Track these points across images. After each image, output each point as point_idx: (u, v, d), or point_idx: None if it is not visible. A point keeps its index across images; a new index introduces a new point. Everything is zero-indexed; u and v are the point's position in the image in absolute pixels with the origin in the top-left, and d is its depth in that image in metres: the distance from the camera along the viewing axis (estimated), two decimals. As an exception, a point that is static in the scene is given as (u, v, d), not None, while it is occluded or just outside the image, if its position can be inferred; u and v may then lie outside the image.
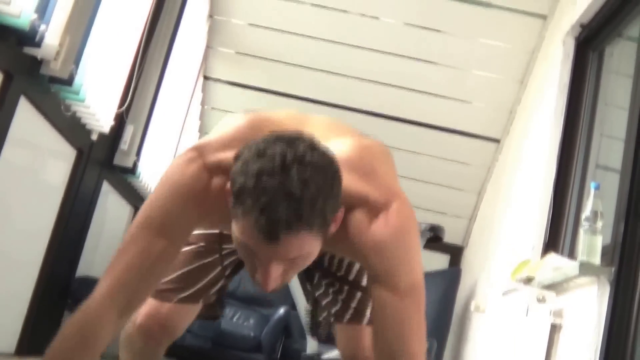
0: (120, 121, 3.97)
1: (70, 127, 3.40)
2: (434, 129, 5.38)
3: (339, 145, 1.69)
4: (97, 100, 3.41)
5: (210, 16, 5.24)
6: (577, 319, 2.95)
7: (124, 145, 4.03)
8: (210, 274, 2.06)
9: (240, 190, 1.42)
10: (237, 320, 5.01)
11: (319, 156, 1.46)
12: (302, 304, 4.05)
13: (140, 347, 2.04)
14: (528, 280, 3.37)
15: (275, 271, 1.48)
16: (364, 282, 2.15)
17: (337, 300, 2.21)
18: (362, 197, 1.65)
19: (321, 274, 2.20)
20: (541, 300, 3.09)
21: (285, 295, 4.74)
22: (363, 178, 1.67)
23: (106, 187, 4.10)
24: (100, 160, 3.91)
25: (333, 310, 2.22)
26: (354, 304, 2.19)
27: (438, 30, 5.07)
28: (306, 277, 2.25)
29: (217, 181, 1.64)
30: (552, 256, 3.30)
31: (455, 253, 5.81)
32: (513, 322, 3.24)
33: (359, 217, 1.65)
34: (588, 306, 2.84)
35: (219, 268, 2.06)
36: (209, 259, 2.05)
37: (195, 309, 2.09)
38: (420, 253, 1.75)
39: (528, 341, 3.08)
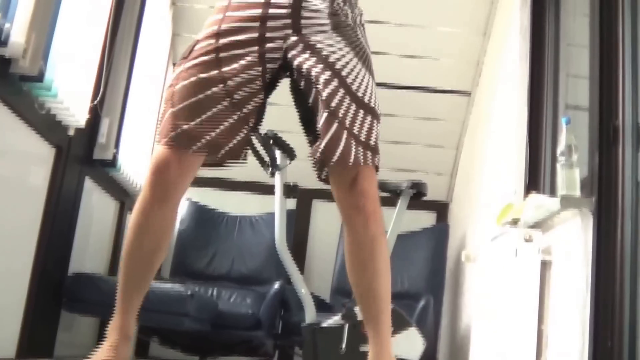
0: (95, 115, 3.95)
1: (46, 124, 3.38)
2: (405, 89, 5.40)
3: None
4: (70, 95, 3.39)
5: (173, 4, 5.22)
6: (565, 253, 2.99)
7: (102, 138, 4.02)
8: (228, 120, 1.97)
9: None
10: (234, 301, 5.03)
11: None
12: (297, 277, 4.07)
13: (149, 201, 1.95)
14: (514, 223, 3.41)
15: None
16: (372, 101, 2.08)
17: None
18: None
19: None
20: (528, 239, 3.13)
21: (278, 272, 4.76)
22: None
23: (89, 183, 4.09)
24: (79, 156, 3.89)
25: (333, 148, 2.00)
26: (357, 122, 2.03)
27: (399, -8, 5.08)
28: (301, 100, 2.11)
29: None
30: (534, 195, 3.35)
31: (441, 209, 5.84)
32: (504, 265, 3.28)
33: None
34: (574, 239, 2.88)
35: (238, 114, 1.97)
36: (212, 90, 1.95)
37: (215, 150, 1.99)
38: None
39: (521, 281, 3.12)
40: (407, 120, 5.51)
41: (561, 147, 2.91)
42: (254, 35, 2.00)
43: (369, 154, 2.02)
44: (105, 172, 4.24)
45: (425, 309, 4.53)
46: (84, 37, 3.59)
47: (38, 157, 3.49)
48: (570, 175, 2.88)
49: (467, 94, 5.44)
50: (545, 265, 3.12)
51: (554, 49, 3.92)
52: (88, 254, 4.23)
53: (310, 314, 3.85)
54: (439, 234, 5.31)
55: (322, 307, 4.42)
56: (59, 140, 3.57)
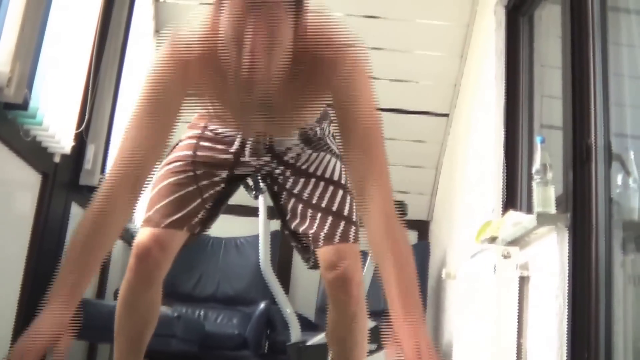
0: (81, 141, 3.94)
1: (32, 151, 3.37)
2: (386, 112, 5.37)
3: None
4: (55, 122, 3.38)
5: (157, 31, 5.24)
6: (542, 268, 3.01)
7: (88, 164, 4.00)
8: (191, 204, 2.12)
9: None
10: (220, 321, 5.02)
11: None
12: (282, 297, 4.07)
13: (138, 278, 2.06)
14: (492, 240, 3.43)
15: (260, 41, 1.59)
16: (343, 179, 2.22)
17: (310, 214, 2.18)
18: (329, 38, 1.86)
19: (294, 174, 2.23)
20: (506, 256, 3.14)
21: (263, 292, 4.75)
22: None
23: (75, 209, 4.06)
24: (66, 182, 3.88)
25: (309, 232, 2.17)
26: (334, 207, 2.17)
27: (379, 17, 5.13)
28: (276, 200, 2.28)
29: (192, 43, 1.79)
30: (511, 213, 3.37)
31: (422, 228, 5.86)
32: (483, 281, 3.29)
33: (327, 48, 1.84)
34: (551, 254, 2.90)
35: (199, 200, 2.13)
36: (188, 190, 2.13)
37: (182, 236, 2.13)
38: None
39: (500, 297, 3.13)
40: (388, 142, 5.48)
41: (536, 165, 2.95)
42: (226, 170, 2.21)
43: (346, 227, 2.12)
44: (91, 198, 4.22)
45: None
46: (69, 64, 3.59)
47: (24, 183, 3.48)
48: (545, 192, 2.91)
49: (445, 115, 5.48)
50: (523, 281, 3.13)
51: (528, 70, 3.96)
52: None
53: (295, 333, 3.85)
54: (420, 252, 5.31)
55: (307, 326, 4.41)
56: (45, 167, 3.56)
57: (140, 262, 2.02)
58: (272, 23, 1.60)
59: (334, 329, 2.22)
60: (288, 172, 2.20)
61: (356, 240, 2.13)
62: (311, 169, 2.20)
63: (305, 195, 2.17)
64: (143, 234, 2.05)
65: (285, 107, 1.92)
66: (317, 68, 1.82)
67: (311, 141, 2.23)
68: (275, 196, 2.26)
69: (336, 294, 2.09)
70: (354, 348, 2.20)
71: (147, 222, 2.08)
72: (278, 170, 2.22)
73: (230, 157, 2.19)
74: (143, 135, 1.78)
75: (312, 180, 2.18)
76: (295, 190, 2.18)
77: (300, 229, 2.16)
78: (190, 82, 1.82)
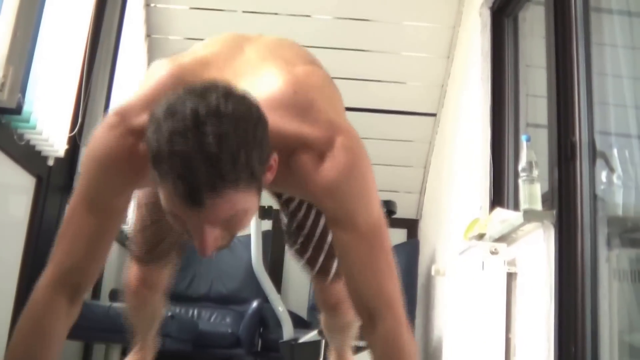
0: (74, 144, 3.94)
1: (26, 155, 3.36)
2: (374, 113, 5.43)
3: (270, 81, 1.51)
4: (49, 126, 3.38)
5: (148, 35, 5.23)
6: (529, 264, 3.02)
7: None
8: (169, 234, 2.00)
9: (155, 156, 1.25)
10: (214, 321, 5.01)
11: (235, 104, 1.26)
12: (274, 296, 4.07)
13: (134, 304, 2.13)
14: (480, 237, 3.44)
15: (210, 235, 1.29)
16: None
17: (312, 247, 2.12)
18: (301, 139, 1.46)
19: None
20: (494, 252, 3.16)
21: (256, 291, 4.75)
22: (299, 116, 1.47)
23: (70, 211, 4.06)
24: (60, 185, 3.87)
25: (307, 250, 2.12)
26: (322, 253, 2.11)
27: (366, 20, 5.15)
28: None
29: (144, 145, 1.41)
30: (498, 210, 3.38)
31: (412, 226, 5.87)
32: (472, 278, 3.30)
33: (303, 160, 1.47)
34: (537, 250, 2.91)
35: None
36: (161, 224, 1.95)
37: (172, 259, 2.10)
38: (376, 186, 1.59)
39: (488, 293, 3.14)
40: (377, 142, 5.54)
41: (522, 163, 2.96)
42: None
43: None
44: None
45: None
46: (62, 68, 3.58)
47: (19, 187, 3.47)
48: (532, 190, 2.92)
49: (433, 115, 5.50)
50: (510, 276, 3.14)
51: (513, 70, 3.98)
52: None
53: (288, 331, 3.86)
54: (410, 250, 5.32)
55: (300, 323, 4.42)
56: (39, 170, 3.55)
57: (132, 297, 2.07)
58: (224, 215, 1.29)
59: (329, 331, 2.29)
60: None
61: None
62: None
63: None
64: (130, 271, 2.05)
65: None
66: (293, 179, 1.50)
67: None
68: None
69: (331, 310, 2.15)
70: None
71: (133, 257, 2.07)
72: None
73: None
74: (85, 237, 1.55)
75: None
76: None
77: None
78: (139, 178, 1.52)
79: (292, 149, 1.46)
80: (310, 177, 1.47)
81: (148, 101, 1.46)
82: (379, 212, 1.58)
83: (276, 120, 1.39)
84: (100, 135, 1.52)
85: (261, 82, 1.48)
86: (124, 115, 1.51)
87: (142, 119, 1.40)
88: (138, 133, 1.42)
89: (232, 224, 1.32)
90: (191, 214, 1.26)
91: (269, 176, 1.36)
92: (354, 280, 1.58)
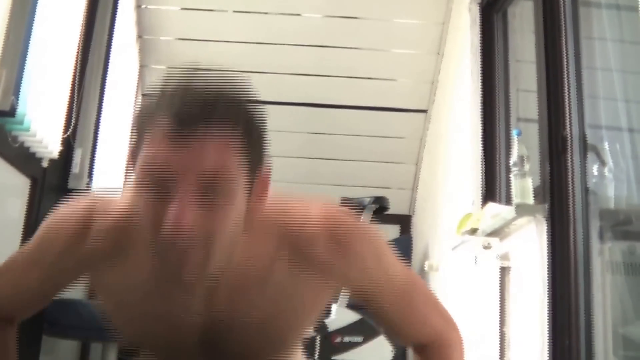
0: (68, 145, 3.92)
1: (20, 157, 3.34)
2: (366, 110, 5.42)
3: None
4: (43, 128, 3.36)
5: (140, 37, 5.21)
6: (522, 258, 3.02)
7: (75, 168, 3.98)
8: None
9: (143, 109, 1.19)
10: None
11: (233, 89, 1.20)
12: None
13: None
14: (473, 232, 3.43)
15: (190, 193, 1.11)
16: None
17: None
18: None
19: None
20: (487, 247, 3.15)
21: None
22: None
23: (65, 212, 4.04)
24: (54, 186, 3.85)
25: None
26: None
27: (356, 18, 5.13)
28: None
29: (101, 206, 1.39)
30: (491, 205, 3.37)
31: (404, 222, 5.85)
32: (465, 272, 3.30)
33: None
34: (530, 244, 2.91)
35: None
36: None
37: None
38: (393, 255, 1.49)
39: (481, 287, 3.14)
40: (369, 139, 5.54)
41: (514, 158, 2.95)
42: None
43: None
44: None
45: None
46: (54, 70, 3.56)
47: (14, 188, 3.44)
48: (523, 184, 2.91)
49: (424, 111, 5.48)
50: (504, 271, 3.14)
51: (503, 65, 3.97)
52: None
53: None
54: (403, 245, 5.31)
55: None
56: (34, 172, 3.53)
57: None
58: (212, 165, 1.12)
59: None
60: None
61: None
62: None
63: None
64: None
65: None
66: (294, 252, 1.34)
67: None
68: None
69: None
70: None
71: None
72: None
73: None
74: (24, 285, 1.45)
75: None
76: None
77: None
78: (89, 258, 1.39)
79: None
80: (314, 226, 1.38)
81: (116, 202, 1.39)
82: (405, 270, 1.53)
83: None
84: (66, 204, 1.46)
85: None
86: (94, 197, 1.45)
87: (107, 209, 1.37)
88: (96, 218, 1.36)
89: (213, 193, 1.13)
90: (178, 152, 1.10)
91: (260, 188, 1.25)
92: (407, 323, 1.55)
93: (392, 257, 1.46)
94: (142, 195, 1.16)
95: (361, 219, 1.50)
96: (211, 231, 1.15)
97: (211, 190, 1.13)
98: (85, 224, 1.37)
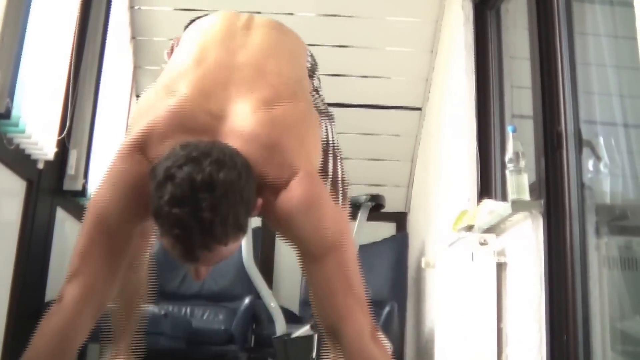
0: (64, 147, 3.91)
1: (16, 159, 3.34)
2: (360, 108, 5.41)
3: (252, 118, 1.68)
4: (38, 130, 3.35)
5: (133, 37, 5.19)
6: (518, 254, 3.01)
7: (71, 169, 3.97)
8: None
9: (157, 213, 1.45)
10: (207, 318, 4.98)
11: (226, 173, 1.46)
12: (266, 292, 4.04)
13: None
14: (469, 228, 3.43)
15: (203, 272, 1.56)
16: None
17: None
18: (263, 179, 1.62)
19: None
20: (483, 243, 3.15)
21: (248, 287, 4.73)
22: (265, 156, 1.64)
23: (61, 213, 4.03)
24: (50, 188, 3.84)
25: None
26: None
27: (350, 16, 5.12)
28: None
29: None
30: (487, 201, 3.37)
31: (400, 219, 5.85)
32: (462, 269, 3.29)
33: (265, 198, 1.63)
34: (526, 240, 2.91)
35: None
36: None
37: None
38: (336, 214, 1.75)
39: (478, 283, 3.13)
40: (364, 137, 5.53)
41: (509, 154, 2.95)
42: None
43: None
44: (76, 202, 4.19)
45: (390, 315, 4.53)
46: (49, 72, 3.55)
47: (10, 191, 3.44)
48: (519, 180, 2.91)
49: (418, 109, 5.48)
50: (500, 267, 3.14)
51: (497, 62, 3.97)
52: (63, 281, 4.15)
53: (280, 326, 3.83)
54: (399, 243, 5.31)
55: (292, 318, 4.40)
56: (29, 174, 3.52)
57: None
58: (216, 259, 1.52)
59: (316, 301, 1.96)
60: None
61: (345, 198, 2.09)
62: None
63: None
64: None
65: None
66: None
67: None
68: None
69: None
70: None
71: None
72: None
73: None
74: (106, 258, 1.65)
75: None
76: None
77: None
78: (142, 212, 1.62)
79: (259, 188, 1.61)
80: (269, 213, 1.65)
81: (154, 135, 1.64)
82: (337, 236, 1.70)
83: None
84: (116, 163, 1.66)
85: (241, 119, 1.67)
86: (136, 145, 1.64)
87: (153, 152, 1.60)
88: (149, 163, 1.58)
89: (222, 259, 1.54)
90: (187, 263, 1.49)
91: (255, 214, 1.60)
92: (316, 300, 1.73)
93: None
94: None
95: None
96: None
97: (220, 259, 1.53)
98: (138, 183, 1.59)
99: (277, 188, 1.63)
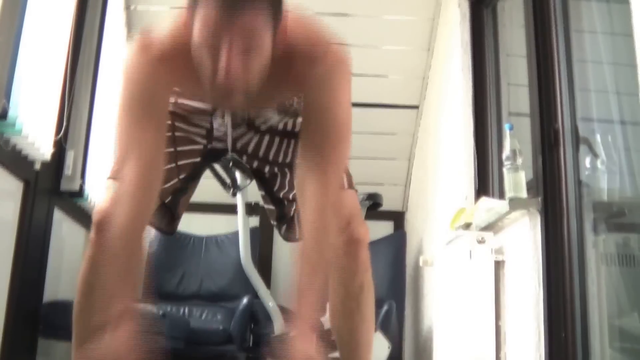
0: (60, 147, 3.90)
1: (13, 160, 3.33)
2: (357, 107, 5.39)
3: None
4: (34, 130, 3.35)
5: (129, 38, 5.18)
6: (516, 252, 3.02)
7: (68, 170, 3.96)
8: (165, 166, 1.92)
9: None
10: (205, 318, 4.98)
11: None
12: (264, 291, 4.05)
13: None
14: (466, 226, 3.43)
15: (236, 50, 1.48)
16: None
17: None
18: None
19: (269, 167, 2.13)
20: (481, 241, 3.15)
21: (246, 287, 4.73)
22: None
23: (58, 214, 4.02)
24: (47, 188, 3.83)
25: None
26: None
27: (346, 15, 5.11)
28: (260, 181, 2.19)
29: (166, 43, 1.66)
30: (484, 199, 3.37)
31: (398, 218, 5.85)
32: (460, 267, 3.29)
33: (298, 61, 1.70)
34: (524, 237, 2.91)
35: (174, 164, 2.03)
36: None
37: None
38: (350, 121, 1.87)
39: (476, 281, 3.13)
40: (361, 136, 5.51)
41: (506, 152, 2.95)
42: (204, 140, 2.08)
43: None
44: (73, 203, 4.18)
45: (389, 313, 4.52)
46: (45, 72, 3.54)
47: (7, 191, 3.43)
48: (516, 178, 2.91)
49: (415, 107, 5.48)
50: (498, 265, 3.14)
51: (494, 60, 3.97)
52: (61, 281, 4.15)
53: (279, 325, 3.84)
54: (397, 241, 5.31)
55: (290, 317, 4.40)
56: (26, 175, 3.52)
57: (102, 233, 1.79)
58: (249, 32, 1.48)
59: (337, 306, 1.99)
60: (264, 138, 2.08)
61: (351, 186, 2.03)
62: (288, 128, 2.08)
63: (287, 159, 2.07)
64: (107, 196, 1.85)
65: (262, 102, 1.85)
66: (296, 66, 1.70)
67: (287, 112, 2.05)
68: (256, 172, 2.16)
69: (343, 261, 1.93)
70: (361, 325, 2.02)
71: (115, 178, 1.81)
72: (252, 143, 2.08)
73: (207, 125, 2.03)
74: (142, 142, 1.66)
75: (292, 141, 2.06)
76: (275, 157, 2.09)
77: (290, 195, 2.10)
78: (164, 80, 1.70)
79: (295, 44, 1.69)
80: (316, 50, 1.73)
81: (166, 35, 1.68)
82: (346, 125, 1.82)
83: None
84: (131, 55, 1.72)
85: None
86: (148, 38, 1.69)
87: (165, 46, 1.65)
88: (162, 48, 1.65)
89: (249, 53, 1.50)
90: (225, 23, 1.46)
91: (280, 39, 1.59)
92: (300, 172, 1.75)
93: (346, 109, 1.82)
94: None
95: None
96: (247, 73, 1.53)
97: (247, 51, 1.50)
98: (155, 57, 1.66)
99: (311, 58, 1.71)
